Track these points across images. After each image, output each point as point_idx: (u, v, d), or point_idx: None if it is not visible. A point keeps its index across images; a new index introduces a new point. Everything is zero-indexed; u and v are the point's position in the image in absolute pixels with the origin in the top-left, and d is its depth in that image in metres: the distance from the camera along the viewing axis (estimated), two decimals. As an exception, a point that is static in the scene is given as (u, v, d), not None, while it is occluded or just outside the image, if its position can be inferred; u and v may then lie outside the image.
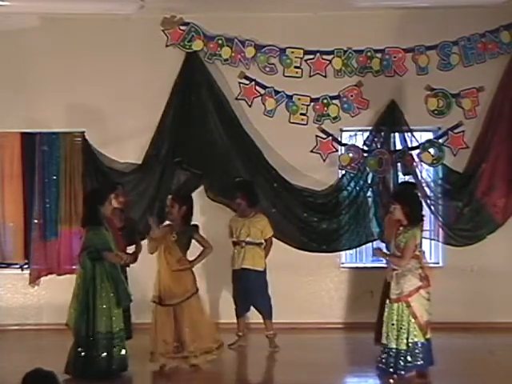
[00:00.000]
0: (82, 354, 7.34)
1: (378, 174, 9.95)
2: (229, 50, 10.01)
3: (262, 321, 8.93)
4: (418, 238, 7.29)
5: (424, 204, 9.87)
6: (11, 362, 8.10)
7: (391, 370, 7.25)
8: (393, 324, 7.28)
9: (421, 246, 7.49)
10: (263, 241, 8.85)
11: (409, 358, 7.20)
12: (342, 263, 10.21)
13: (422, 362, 7.27)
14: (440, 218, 9.99)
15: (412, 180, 9.72)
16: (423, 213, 7.63)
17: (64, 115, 9.98)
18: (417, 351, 7.22)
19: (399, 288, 7.24)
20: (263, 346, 8.84)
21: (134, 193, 9.89)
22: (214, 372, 7.92)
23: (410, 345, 7.19)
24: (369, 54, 10.00)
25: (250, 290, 8.76)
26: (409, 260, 7.22)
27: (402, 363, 7.22)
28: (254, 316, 9.09)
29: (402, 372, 7.24)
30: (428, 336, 7.30)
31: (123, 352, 7.48)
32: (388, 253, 7.53)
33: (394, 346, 7.25)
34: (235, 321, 8.95)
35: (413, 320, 7.19)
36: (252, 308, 8.96)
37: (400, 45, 9.97)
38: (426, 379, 7.40)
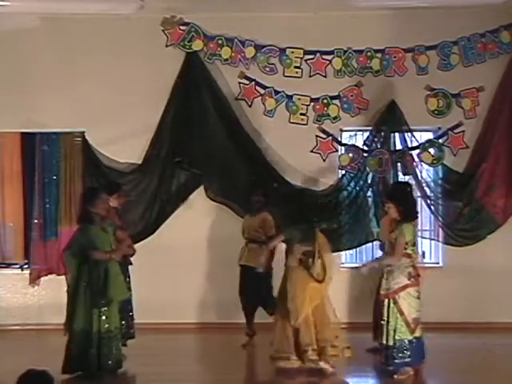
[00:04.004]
0: (69, 351, 7.39)
1: (378, 173, 9.95)
2: (229, 50, 10.01)
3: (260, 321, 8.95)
4: (407, 234, 7.31)
5: (424, 204, 9.96)
6: (11, 362, 8.06)
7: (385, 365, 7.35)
8: (383, 320, 7.36)
9: (415, 245, 7.49)
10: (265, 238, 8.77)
11: (395, 355, 7.25)
12: (342, 263, 10.21)
13: (409, 359, 7.31)
14: (440, 218, 9.99)
15: (411, 180, 9.72)
16: (417, 211, 7.66)
17: (64, 115, 9.97)
18: (404, 348, 7.27)
19: (387, 284, 7.33)
20: (263, 345, 8.86)
21: (133, 193, 9.89)
22: (214, 371, 7.91)
23: (396, 342, 7.23)
24: (369, 54, 10.00)
25: (253, 287, 8.72)
26: (400, 256, 7.25)
27: (390, 359, 7.29)
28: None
29: (391, 368, 7.29)
30: (417, 334, 7.32)
31: (114, 353, 7.45)
32: (372, 260, 7.48)
33: (384, 342, 7.33)
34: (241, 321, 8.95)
35: (400, 317, 7.22)
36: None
37: (400, 45, 9.97)
38: (419, 377, 7.43)
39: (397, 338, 7.24)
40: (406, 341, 7.26)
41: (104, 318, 7.34)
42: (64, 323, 7.50)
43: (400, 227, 7.33)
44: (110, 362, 7.41)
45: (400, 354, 7.25)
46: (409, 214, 7.42)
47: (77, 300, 7.34)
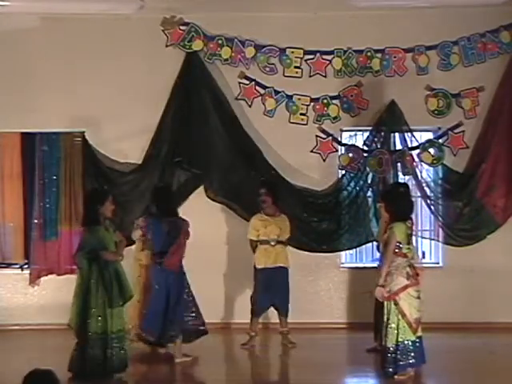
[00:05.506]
0: (81, 352, 7.35)
1: (378, 173, 9.95)
2: (229, 50, 10.01)
3: (262, 321, 8.95)
4: (398, 234, 7.26)
5: (424, 204, 9.97)
6: (11, 362, 8.10)
7: (384, 367, 7.31)
8: (385, 322, 7.34)
9: (411, 244, 7.47)
10: None
11: (399, 357, 7.21)
12: (342, 263, 10.22)
13: (413, 360, 7.28)
14: (440, 218, 9.99)
15: (411, 180, 9.74)
16: (410, 211, 7.63)
17: (64, 115, 9.97)
18: (407, 350, 7.23)
19: (387, 286, 7.26)
20: (264, 346, 8.86)
21: (134, 193, 9.89)
22: (216, 372, 7.91)
23: (399, 344, 7.20)
24: (369, 54, 10.00)
25: (280, 287, 8.73)
26: (390, 257, 7.22)
27: (392, 362, 7.22)
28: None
29: (390, 370, 7.23)
30: (419, 334, 7.30)
31: (122, 352, 7.45)
32: (377, 283, 7.43)
33: (384, 344, 7.31)
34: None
35: (402, 318, 7.20)
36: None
37: (400, 45, 9.97)
38: (419, 378, 7.41)
39: (399, 339, 7.19)
40: (410, 342, 7.21)
41: (117, 318, 7.34)
42: (73, 324, 7.42)
43: (391, 227, 7.32)
44: (118, 362, 7.37)
45: (404, 356, 7.21)
46: (398, 215, 7.39)
47: (90, 301, 7.32)
